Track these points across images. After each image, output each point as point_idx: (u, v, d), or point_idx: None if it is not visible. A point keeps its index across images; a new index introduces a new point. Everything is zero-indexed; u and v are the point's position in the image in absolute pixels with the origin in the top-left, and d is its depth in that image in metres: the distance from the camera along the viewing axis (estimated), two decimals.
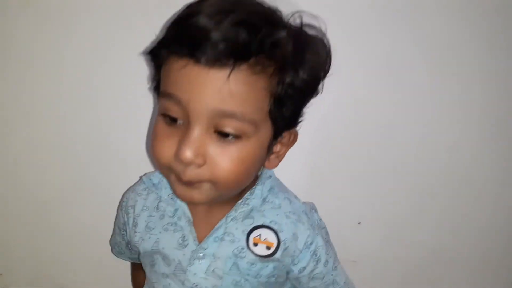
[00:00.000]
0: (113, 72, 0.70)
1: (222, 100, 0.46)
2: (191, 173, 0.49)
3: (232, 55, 0.44)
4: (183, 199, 0.54)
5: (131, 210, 0.65)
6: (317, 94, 0.54)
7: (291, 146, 0.58)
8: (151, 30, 0.61)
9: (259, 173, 0.63)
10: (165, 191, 0.61)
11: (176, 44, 0.47)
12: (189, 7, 0.49)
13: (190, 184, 0.50)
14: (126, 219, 0.65)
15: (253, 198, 0.58)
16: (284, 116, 0.51)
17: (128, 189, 0.69)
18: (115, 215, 0.74)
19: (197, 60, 0.45)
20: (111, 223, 0.75)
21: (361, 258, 0.70)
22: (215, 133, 0.48)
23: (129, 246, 0.69)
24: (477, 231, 0.82)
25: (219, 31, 0.44)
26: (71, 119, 0.73)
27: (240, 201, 0.58)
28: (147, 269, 0.64)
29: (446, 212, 0.81)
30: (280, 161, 0.58)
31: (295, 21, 0.51)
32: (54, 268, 0.82)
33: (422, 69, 0.71)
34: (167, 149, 0.50)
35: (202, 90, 0.46)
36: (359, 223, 0.79)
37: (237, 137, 0.48)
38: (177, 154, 0.48)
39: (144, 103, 0.71)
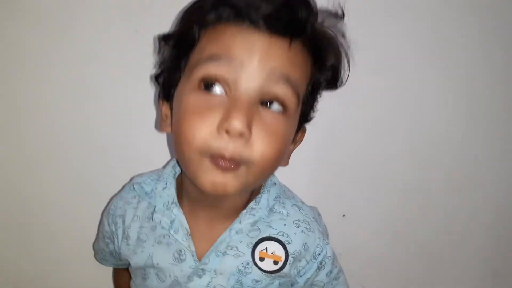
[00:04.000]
0: (107, 72, 0.67)
1: (282, 63, 0.45)
2: (235, 148, 0.43)
3: (291, 27, 0.45)
4: (214, 188, 0.46)
5: (119, 220, 0.59)
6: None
7: (298, 145, 0.57)
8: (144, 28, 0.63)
9: None
10: (160, 200, 0.55)
11: (230, 8, 0.45)
12: None
13: (230, 166, 0.44)
14: (113, 229, 0.59)
15: (260, 208, 0.53)
16: (308, 106, 0.53)
17: (116, 195, 0.63)
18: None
19: (256, 26, 0.44)
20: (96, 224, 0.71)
21: (347, 251, 0.69)
22: (260, 104, 0.45)
23: (114, 254, 0.64)
24: (461, 223, 0.83)
25: (282, 2, 0.44)
26: (63, 118, 0.69)
27: (244, 211, 0.53)
28: (137, 280, 0.59)
29: (431, 206, 0.81)
30: (289, 159, 0.56)
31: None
32: (38, 270, 0.77)
33: (410, 67, 0.73)
34: (207, 125, 0.44)
35: (264, 51, 0.44)
36: (344, 215, 0.79)
37: (282, 109, 0.47)
38: (227, 122, 0.43)
39: (138, 102, 0.68)
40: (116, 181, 0.68)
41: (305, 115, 0.54)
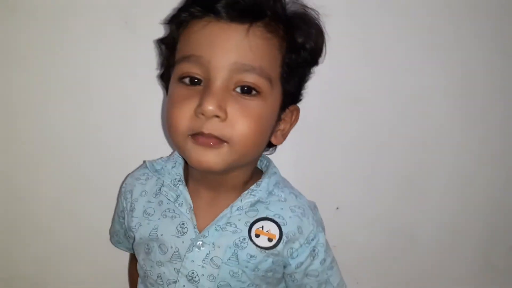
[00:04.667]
0: (107, 71, 0.70)
1: (242, 53, 0.50)
2: (213, 126, 0.49)
3: (251, 12, 0.50)
4: (200, 165, 0.52)
5: (129, 195, 0.63)
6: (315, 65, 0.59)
7: (293, 125, 0.61)
8: (146, 29, 0.65)
9: (265, 167, 0.63)
10: (168, 176, 0.60)
11: (198, 6, 0.51)
12: None
13: (209, 143, 0.50)
14: (125, 205, 0.64)
15: (260, 190, 0.57)
16: (291, 84, 0.55)
17: (128, 175, 0.67)
18: (99, 213, 0.74)
19: (218, 18, 0.50)
20: (96, 221, 0.75)
21: (341, 244, 0.69)
22: (234, 90, 0.50)
23: (127, 234, 0.67)
24: (454, 217, 0.83)
25: None
26: (63, 117, 0.71)
27: (246, 192, 0.57)
28: (141, 256, 0.62)
29: (424, 198, 0.82)
30: (284, 139, 0.60)
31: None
32: (36, 268, 0.79)
33: (410, 62, 0.75)
34: (186, 111, 0.51)
35: (224, 44, 0.50)
36: (337, 208, 0.80)
37: (255, 93, 0.51)
38: (200, 107, 0.49)
39: (137, 101, 0.71)
40: (116, 180, 0.70)
41: (290, 95, 0.57)
